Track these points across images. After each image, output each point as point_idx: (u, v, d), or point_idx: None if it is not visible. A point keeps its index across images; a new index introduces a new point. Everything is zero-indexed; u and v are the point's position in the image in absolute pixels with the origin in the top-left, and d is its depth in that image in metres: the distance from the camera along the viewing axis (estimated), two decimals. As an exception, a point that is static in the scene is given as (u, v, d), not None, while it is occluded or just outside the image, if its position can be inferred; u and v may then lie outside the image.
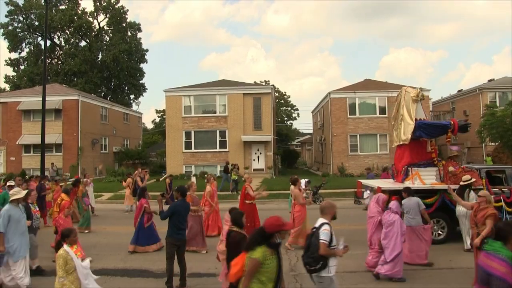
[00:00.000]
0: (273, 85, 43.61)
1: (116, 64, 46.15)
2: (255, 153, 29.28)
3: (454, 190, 8.31)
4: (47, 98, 19.51)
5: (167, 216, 6.64)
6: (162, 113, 54.69)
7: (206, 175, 13.04)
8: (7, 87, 47.84)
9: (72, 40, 46.91)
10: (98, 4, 46.95)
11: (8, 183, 10.57)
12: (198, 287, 6.94)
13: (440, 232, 9.34)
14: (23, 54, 47.36)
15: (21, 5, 44.50)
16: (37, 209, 7.62)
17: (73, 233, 5.05)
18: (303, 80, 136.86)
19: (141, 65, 50.75)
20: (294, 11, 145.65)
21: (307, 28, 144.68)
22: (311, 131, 47.73)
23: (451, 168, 9.38)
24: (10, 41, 45.35)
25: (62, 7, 46.55)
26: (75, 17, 44.58)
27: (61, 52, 48.26)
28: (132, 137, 40.39)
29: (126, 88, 50.84)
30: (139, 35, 50.41)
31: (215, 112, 29.59)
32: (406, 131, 9.90)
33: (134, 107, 50.42)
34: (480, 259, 3.71)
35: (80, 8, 46.96)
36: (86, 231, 11.32)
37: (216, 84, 32.27)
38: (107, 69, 46.91)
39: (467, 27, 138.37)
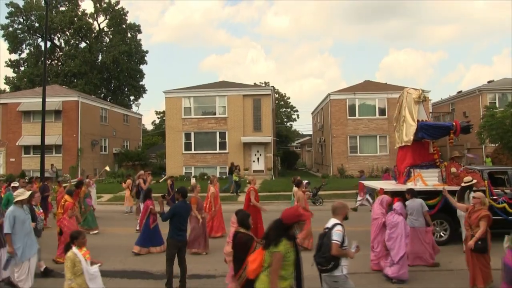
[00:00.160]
0: (273, 86, 43.66)
1: (116, 66, 46.14)
2: (255, 155, 29.27)
3: (453, 191, 8.30)
4: (47, 99, 19.53)
5: (168, 217, 6.64)
6: (162, 115, 54.66)
7: (210, 176, 13.03)
8: (7, 88, 47.87)
9: (72, 41, 46.94)
10: (98, 5, 46.98)
11: (12, 184, 10.57)
12: (197, 288, 6.91)
13: (442, 234, 9.35)
14: (23, 55, 47.50)
15: (22, 7, 44.53)
16: (41, 210, 7.61)
17: (82, 235, 5.05)
18: (303, 81, 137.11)
19: (141, 67, 50.83)
20: (294, 13, 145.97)
21: (307, 29, 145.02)
22: (311, 133, 47.74)
23: (453, 169, 9.38)
24: (10, 43, 45.34)
25: (62, 8, 46.58)
26: (75, 19, 44.60)
27: (61, 53, 48.27)
28: (132, 138, 40.37)
29: (126, 89, 50.85)
30: (139, 36, 50.53)
31: (215, 114, 29.59)
32: (408, 132, 9.91)
33: (134, 108, 50.52)
34: (506, 258, 3.69)
35: (80, 9, 47.10)
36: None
37: (216, 85, 32.26)
38: (107, 71, 46.91)
39: (467, 28, 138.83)
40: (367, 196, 13.78)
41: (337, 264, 4.44)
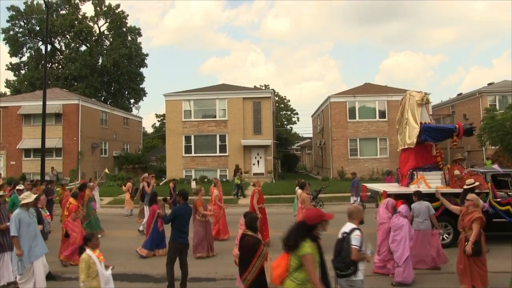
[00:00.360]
0: (273, 89, 43.63)
1: (116, 69, 46.20)
2: (255, 157, 29.26)
3: (455, 194, 8.26)
4: (47, 103, 19.52)
5: (170, 220, 6.64)
6: (162, 118, 54.71)
7: (212, 179, 13.06)
8: (7, 91, 47.86)
9: (73, 44, 47.05)
10: (98, 9, 47.08)
11: (17, 187, 10.56)
12: (197, 291, 6.90)
13: (446, 237, 9.33)
14: (24, 58, 47.49)
15: (22, 10, 44.62)
16: (48, 213, 7.60)
17: (95, 237, 5.03)
18: (303, 84, 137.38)
19: (141, 70, 50.85)
20: (294, 16, 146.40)
21: (307, 32, 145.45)
22: (311, 135, 47.80)
23: (456, 172, 9.38)
24: (11, 46, 45.40)
25: (63, 12, 46.66)
26: (76, 22, 44.69)
27: (61, 56, 48.35)
28: (132, 141, 40.35)
29: (126, 92, 50.85)
30: (139, 39, 50.55)
31: (215, 117, 29.60)
32: (411, 135, 9.90)
33: (134, 111, 50.56)
34: None
35: (81, 13, 47.15)
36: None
37: (216, 88, 32.27)
38: (107, 74, 46.95)
39: (467, 31, 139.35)
40: (355, 198, 14.41)
41: (356, 269, 4.44)
